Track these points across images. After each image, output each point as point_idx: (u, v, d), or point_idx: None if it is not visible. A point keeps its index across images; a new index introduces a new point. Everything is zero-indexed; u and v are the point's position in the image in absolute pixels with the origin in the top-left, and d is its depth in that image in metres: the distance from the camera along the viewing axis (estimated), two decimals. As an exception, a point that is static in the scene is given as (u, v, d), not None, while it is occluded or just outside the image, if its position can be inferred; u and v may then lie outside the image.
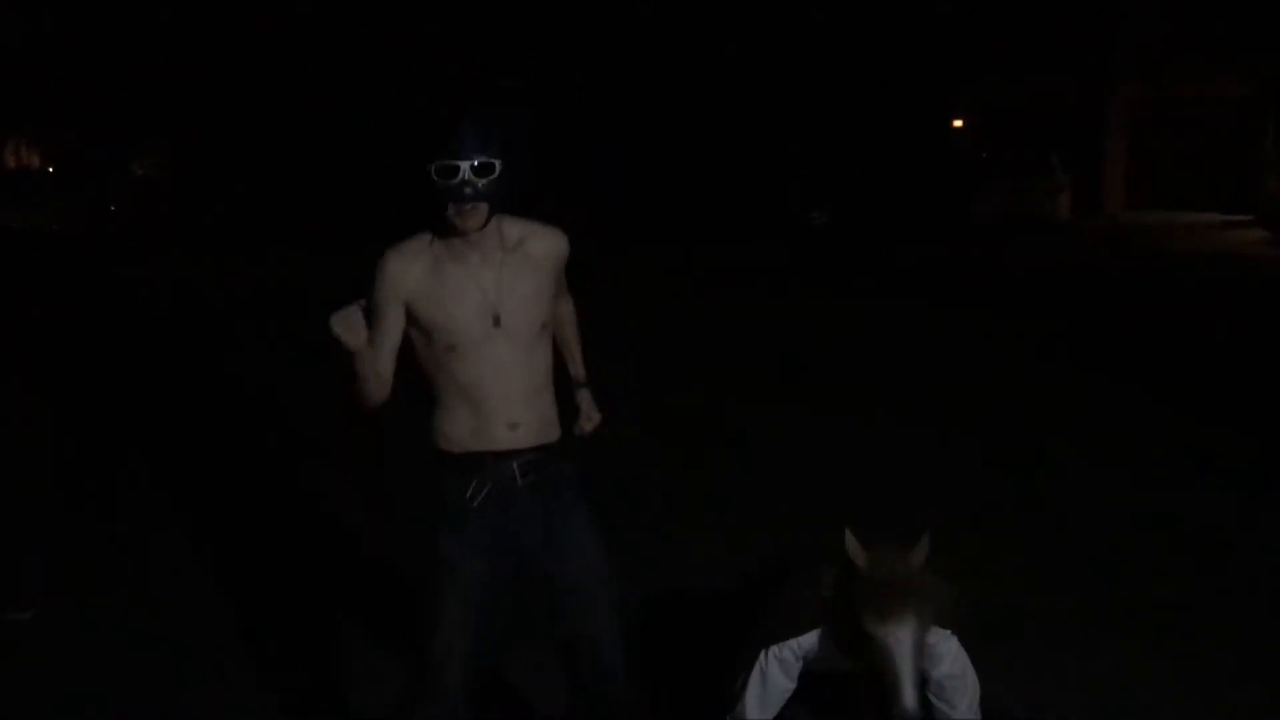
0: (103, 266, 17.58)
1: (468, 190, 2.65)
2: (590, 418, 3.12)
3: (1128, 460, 6.30)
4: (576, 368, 3.19)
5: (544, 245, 2.86)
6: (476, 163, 2.65)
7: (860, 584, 2.69)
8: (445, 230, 2.75)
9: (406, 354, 2.84)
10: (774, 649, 2.94)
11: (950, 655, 2.88)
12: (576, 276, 3.05)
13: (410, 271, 2.76)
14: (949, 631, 2.86)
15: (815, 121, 25.27)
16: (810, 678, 3.02)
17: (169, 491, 6.22)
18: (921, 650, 2.66)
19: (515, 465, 2.79)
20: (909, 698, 2.59)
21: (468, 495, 2.78)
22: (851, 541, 2.75)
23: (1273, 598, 4.43)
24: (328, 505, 5.84)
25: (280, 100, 27.47)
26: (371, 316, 2.78)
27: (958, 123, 27.28)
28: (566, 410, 3.02)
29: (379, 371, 2.80)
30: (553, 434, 2.88)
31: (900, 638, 2.62)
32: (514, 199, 2.78)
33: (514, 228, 2.83)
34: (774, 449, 6.68)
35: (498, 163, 2.68)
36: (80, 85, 28.46)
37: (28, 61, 28.07)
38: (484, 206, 2.70)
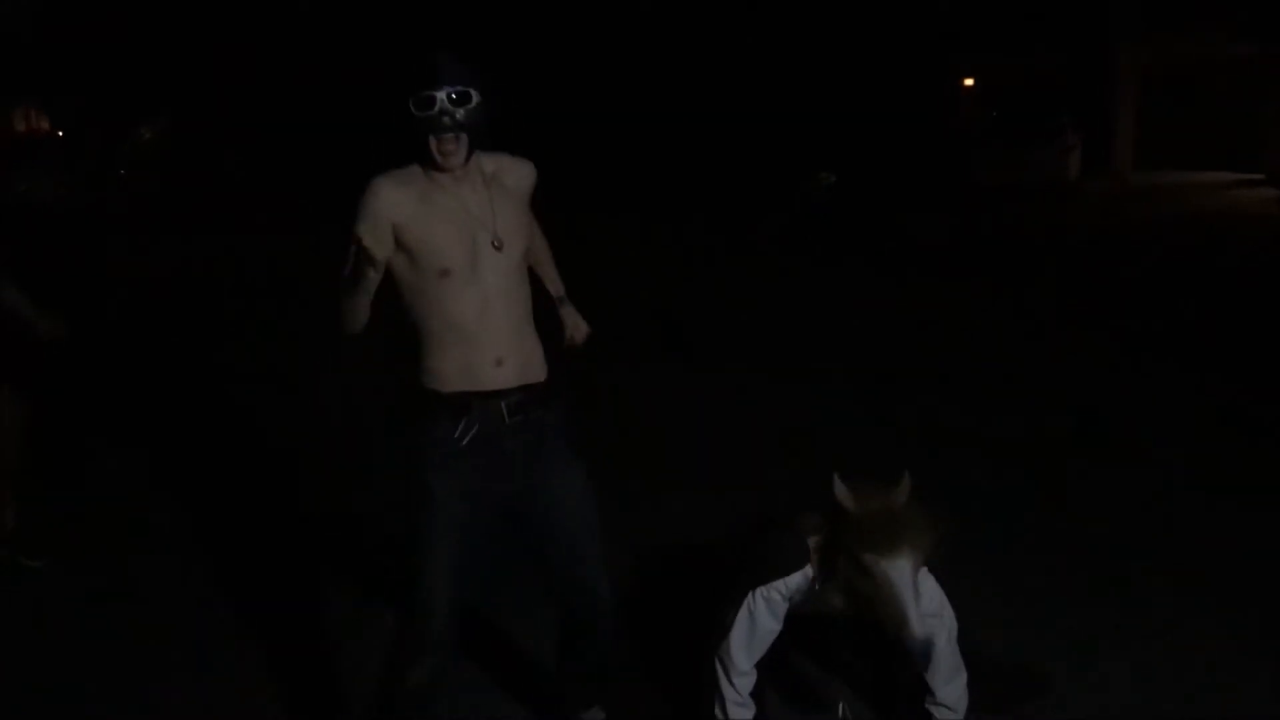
0: (110, 238, 17.56)
1: (446, 120, 2.65)
2: (578, 327, 3.16)
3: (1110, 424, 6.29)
4: (555, 285, 3.21)
5: (517, 176, 2.89)
6: (454, 93, 2.65)
7: (853, 523, 2.76)
8: (429, 166, 2.73)
9: (388, 295, 2.81)
10: (761, 590, 3.00)
11: (928, 592, 2.94)
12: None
13: (401, 196, 2.73)
14: (925, 569, 2.92)
15: (821, 84, 25.10)
16: (794, 621, 3.09)
17: (170, 456, 6.34)
18: (917, 581, 2.72)
19: (503, 405, 2.79)
20: (915, 623, 2.66)
21: (456, 435, 2.77)
22: (839, 485, 2.81)
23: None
24: (316, 468, 5.90)
25: (292, 65, 27.38)
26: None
27: (969, 81, 27.09)
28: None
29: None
30: (539, 374, 2.87)
31: (900, 568, 2.68)
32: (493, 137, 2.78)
33: (489, 161, 2.84)
34: (757, 412, 6.71)
35: (474, 92, 2.68)
36: (90, 48, 28.41)
37: (38, 25, 28.02)
38: (464, 138, 2.69)
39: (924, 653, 2.70)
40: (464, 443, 2.78)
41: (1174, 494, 5.08)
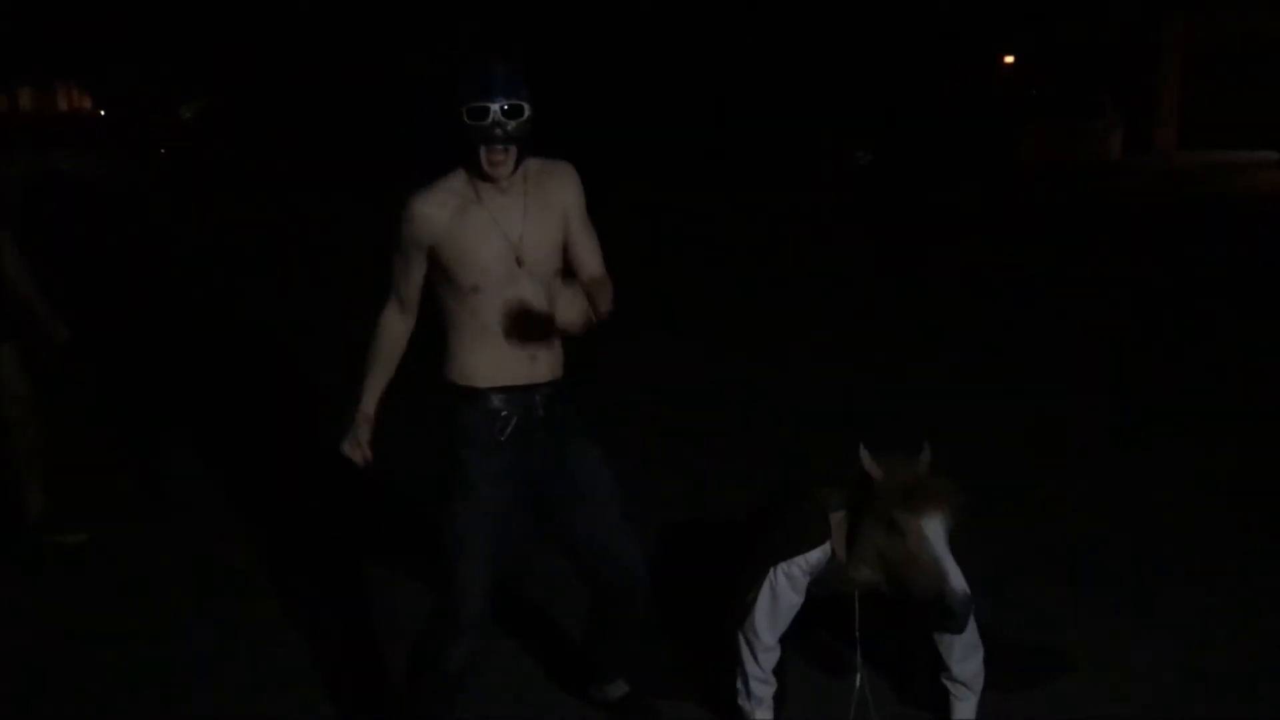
0: (150, 211, 17.74)
1: (498, 131, 2.69)
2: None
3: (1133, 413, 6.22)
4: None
5: (558, 180, 2.90)
6: (507, 105, 2.69)
7: (882, 491, 2.77)
8: (476, 174, 2.78)
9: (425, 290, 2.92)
10: (783, 565, 3.01)
11: None
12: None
13: (437, 217, 2.79)
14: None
15: (860, 61, 24.92)
16: (813, 597, 3.10)
17: (205, 426, 6.40)
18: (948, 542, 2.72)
19: (537, 397, 2.88)
20: (958, 580, 2.65)
21: (495, 429, 2.85)
22: (866, 456, 2.83)
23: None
24: (334, 456, 5.86)
25: (328, 45, 27.51)
26: (396, 258, 2.88)
27: (1009, 59, 26.79)
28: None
29: (401, 320, 2.95)
30: (561, 370, 2.96)
31: (934, 526, 2.70)
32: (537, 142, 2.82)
33: (531, 165, 2.87)
34: (757, 397, 6.68)
35: (527, 105, 2.72)
36: (131, 28, 28.68)
37: (80, 5, 28.32)
38: (514, 150, 2.73)
39: (964, 610, 2.65)
40: (503, 436, 2.86)
41: (1177, 491, 4.98)
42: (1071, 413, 6.05)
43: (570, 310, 2.85)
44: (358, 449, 3.00)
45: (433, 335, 2.94)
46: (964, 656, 3.05)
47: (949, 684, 3.10)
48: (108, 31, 28.74)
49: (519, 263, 2.79)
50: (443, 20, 24.23)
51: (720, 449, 5.64)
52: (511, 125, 2.69)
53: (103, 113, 31.42)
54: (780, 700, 3.19)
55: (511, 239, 2.78)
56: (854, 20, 24.93)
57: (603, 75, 25.47)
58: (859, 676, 3.02)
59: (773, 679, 3.14)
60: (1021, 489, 4.97)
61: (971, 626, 3.02)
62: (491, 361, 2.84)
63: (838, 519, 2.94)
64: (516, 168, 2.77)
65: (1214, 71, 24.92)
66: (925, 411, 6.07)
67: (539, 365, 2.87)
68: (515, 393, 2.86)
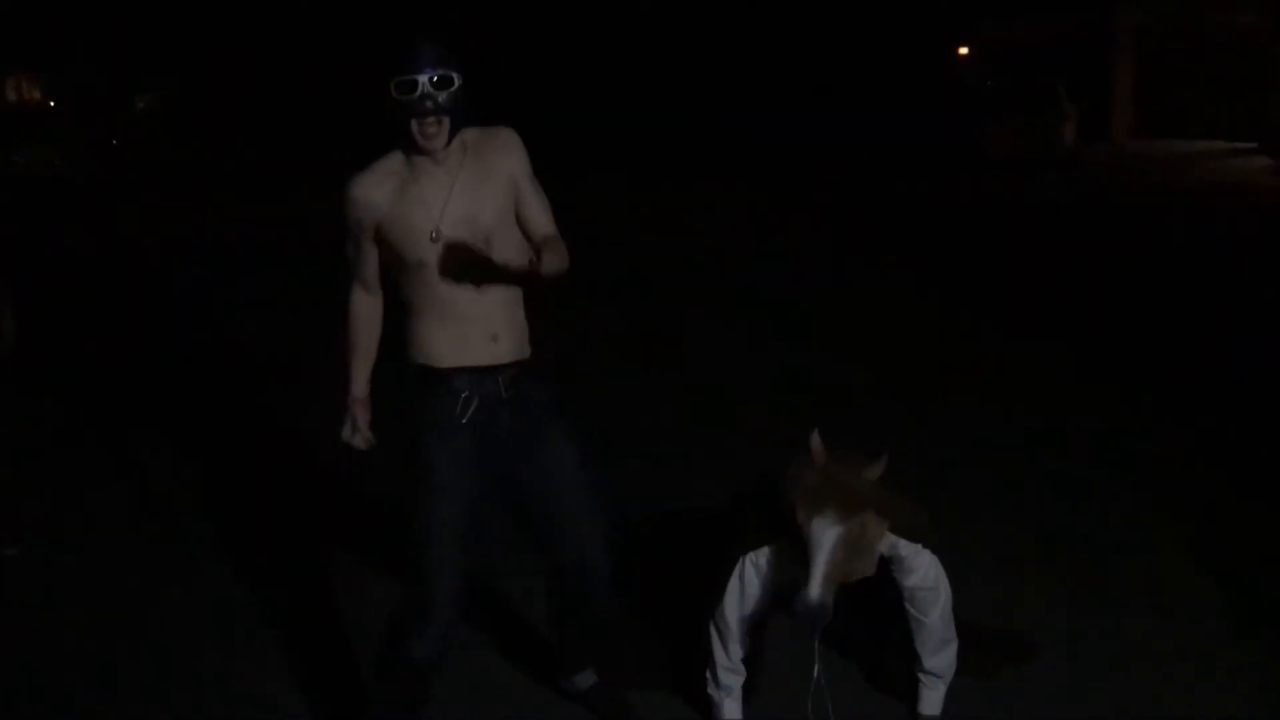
0: (106, 207, 17.43)
1: (428, 104, 2.69)
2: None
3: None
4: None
5: (498, 147, 2.88)
6: (435, 76, 2.69)
7: (805, 480, 2.76)
8: (411, 150, 2.78)
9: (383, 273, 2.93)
10: (751, 556, 3.03)
11: (922, 567, 2.98)
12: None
13: (376, 196, 2.80)
14: (920, 545, 2.96)
15: (820, 52, 25.00)
16: (784, 585, 3.10)
17: (161, 430, 6.27)
18: (847, 551, 2.68)
19: (499, 379, 2.86)
20: (814, 589, 2.63)
21: (456, 410, 2.83)
22: (816, 442, 2.81)
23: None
24: (316, 431, 5.85)
25: (283, 38, 27.19)
26: (348, 243, 2.88)
27: (963, 50, 26.94)
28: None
29: (369, 299, 2.97)
30: (528, 350, 2.94)
31: (821, 531, 2.66)
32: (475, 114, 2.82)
33: (470, 135, 2.86)
34: (757, 380, 6.77)
35: (456, 76, 2.71)
36: (83, 17, 28.20)
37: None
38: (446, 122, 2.73)
39: (804, 618, 2.64)
40: (464, 419, 2.84)
41: (1176, 491, 4.97)
42: (1070, 414, 6.03)
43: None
44: (357, 434, 2.99)
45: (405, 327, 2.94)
46: (936, 650, 3.10)
47: (920, 675, 3.15)
48: (59, 20, 28.25)
49: (433, 237, 2.75)
50: (424, 10, 23.98)
51: (717, 446, 5.60)
52: (442, 96, 2.69)
53: (53, 104, 30.86)
54: (749, 690, 3.21)
55: (432, 213, 2.77)
56: (835, 18, 24.97)
57: (596, 72, 25.38)
58: (816, 668, 3.07)
59: (742, 669, 3.16)
60: (1020, 489, 4.98)
61: (946, 623, 3.07)
62: (451, 342, 2.82)
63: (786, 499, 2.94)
64: (451, 139, 2.76)
65: (1168, 62, 25.23)
66: (925, 411, 6.06)
67: (501, 346, 2.85)
68: (476, 374, 2.83)
